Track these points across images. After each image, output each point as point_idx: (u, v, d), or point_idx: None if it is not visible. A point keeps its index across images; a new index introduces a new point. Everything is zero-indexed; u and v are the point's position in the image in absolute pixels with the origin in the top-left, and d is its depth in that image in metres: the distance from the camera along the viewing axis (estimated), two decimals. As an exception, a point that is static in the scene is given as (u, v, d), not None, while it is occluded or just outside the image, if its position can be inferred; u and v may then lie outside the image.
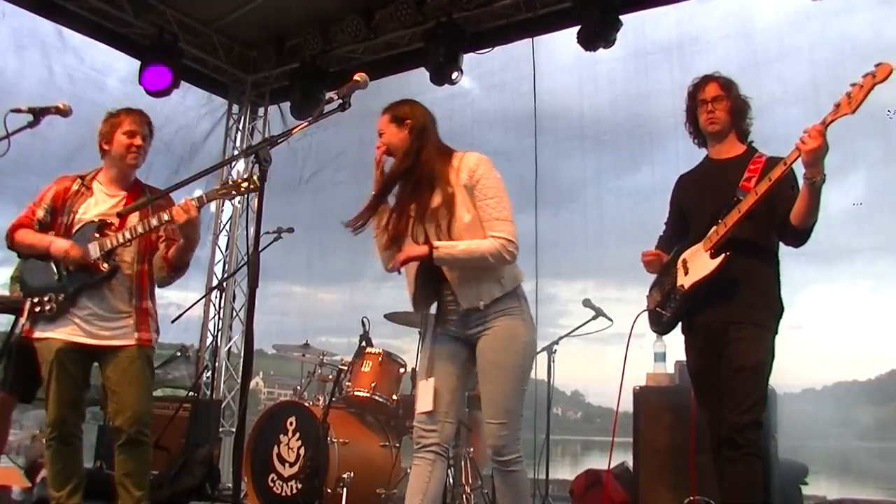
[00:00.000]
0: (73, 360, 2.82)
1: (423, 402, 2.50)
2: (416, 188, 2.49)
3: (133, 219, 2.88)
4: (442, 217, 2.41)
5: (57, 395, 2.81)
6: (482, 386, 2.47)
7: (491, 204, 2.43)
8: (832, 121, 2.36)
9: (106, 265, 2.83)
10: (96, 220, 2.89)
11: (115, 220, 2.88)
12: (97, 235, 2.86)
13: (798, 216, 2.52)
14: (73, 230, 2.89)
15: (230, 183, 2.64)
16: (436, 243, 2.40)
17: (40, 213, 2.96)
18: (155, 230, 2.84)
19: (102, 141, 3.00)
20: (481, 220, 2.42)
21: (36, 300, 2.85)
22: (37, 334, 2.86)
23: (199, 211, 2.74)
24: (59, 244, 2.84)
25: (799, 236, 2.60)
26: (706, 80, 2.84)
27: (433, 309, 2.64)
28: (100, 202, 2.95)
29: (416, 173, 2.50)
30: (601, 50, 5.19)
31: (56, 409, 2.81)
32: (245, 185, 2.59)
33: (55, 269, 2.87)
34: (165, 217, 2.74)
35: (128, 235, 2.82)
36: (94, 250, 2.83)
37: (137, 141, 2.95)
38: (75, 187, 2.98)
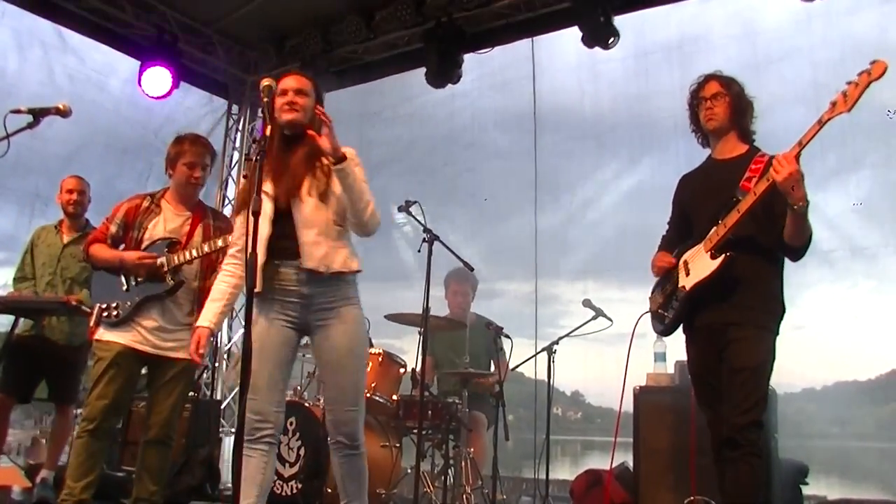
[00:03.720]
0: (128, 364, 3.03)
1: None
2: None
3: (197, 238, 3.15)
4: None
5: (104, 394, 2.99)
6: (332, 375, 2.56)
7: (364, 187, 2.61)
8: (828, 119, 2.37)
9: (172, 279, 3.07)
10: (166, 237, 3.13)
11: (183, 239, 3.15)
12: (166, 251, 3.10)
13: (789, 236, 2.54)
14: (144, 245, 3.13)
15: None
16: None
17: (113, 229, 3.19)
18: (219, 251, 3.05)
19: (168, 165, 3.23)
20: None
21: (104, 306, 3.08)
22: (99, 335, 3.08)
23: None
24: (132, 254, 3.09)
25: (794, 252, 2.61)
26: (707, 78, 2.85)
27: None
28: (168, 220, 3.19)
29: None
30: (602, 50, 5.18)
31: (100, 405, 2.98)
32: None
33: (124, 281, 3.10)
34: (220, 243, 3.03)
35: (194, 253, 3.08)
36: (162, 265, 3.08)
37: (196, 173, 3.18)
38: (145, 204, 3.22)
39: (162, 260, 3.08)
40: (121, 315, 3.05)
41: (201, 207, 3.30)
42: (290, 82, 2.58)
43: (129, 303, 3.06)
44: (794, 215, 2.46)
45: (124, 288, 3.09)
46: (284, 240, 2.50)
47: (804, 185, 2.42)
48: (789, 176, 2.37)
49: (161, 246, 3.12)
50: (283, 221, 2.51)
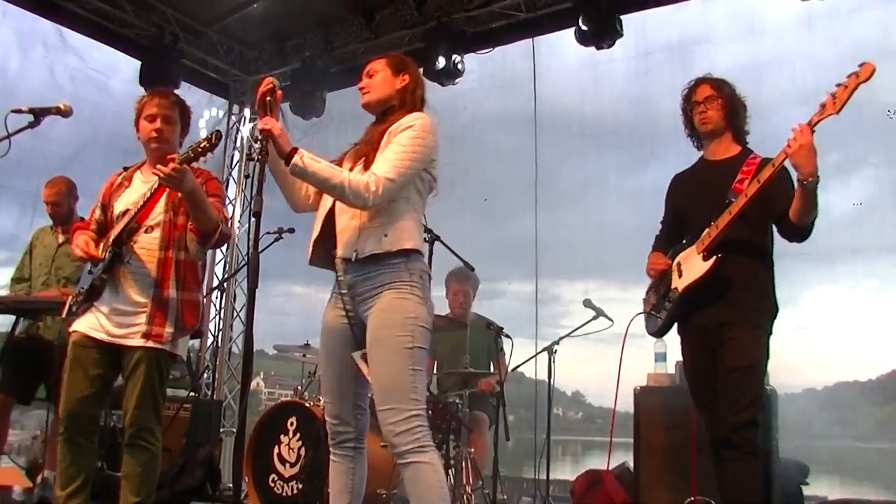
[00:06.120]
0: (88, 355, 2.69)
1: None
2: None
3: (160, 206, 2.76)
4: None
5: (68, 390, 2.69)
6: (371, 369, 2.24)
7: (391, 148, 2.26)
8: (818, 121, 2.40)
9: (109, 252, 2.69)
10: (124, 209, 2.77)
11: (143, 209, 2.72)
12: None
13: (796, 214, 2.54)
14: (114, 224, 2.79)
15: (193, 145, 2.57)
16: (303, 151, 2.18)
17: (97, 213, 2.90)
18: (145, 207, 2.69)
19: (136, 128, 2.87)
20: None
21: (75, 293, 2.83)
22: (71, 328, 2.78)
23: (176, 169, 2.49)
24: (77, 236, 2.81)
25: (799, 233, 2.61)
26: (699, 82, 2.87)
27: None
28: (134, 191, 2.82)
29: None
30: (602, 50, 5.18)
31: (65, 404, 2.69)
32: (204, 144, 2.54)
33: (89, 264, 2.80)
34: (154, 187, 2.65)
35: (126, 220, 2.69)
36: (110, 240, 2.73)
37: (157, 125, 2.78)
38: (118, 181, 2.90)
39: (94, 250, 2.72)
40: (76, 303, 2.77)
41: None
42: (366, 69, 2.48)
43: (84, 287, 2.76)
44: (803, 191, 2.45)
45: (88, 270, 2.79)
46: (334, 226, 2.34)
47: (815, 160, 2.40)
48: (800, 148, 2.37)
49: (117, 221, 2.77)
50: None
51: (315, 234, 2.37)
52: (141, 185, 2.82)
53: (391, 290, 2.23)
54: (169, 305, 2.71)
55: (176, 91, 5.93)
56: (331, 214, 2.35)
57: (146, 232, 2.73)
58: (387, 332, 2.20)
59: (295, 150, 2.17)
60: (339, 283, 2.32)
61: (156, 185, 2.64)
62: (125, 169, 2.95)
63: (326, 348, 2.38)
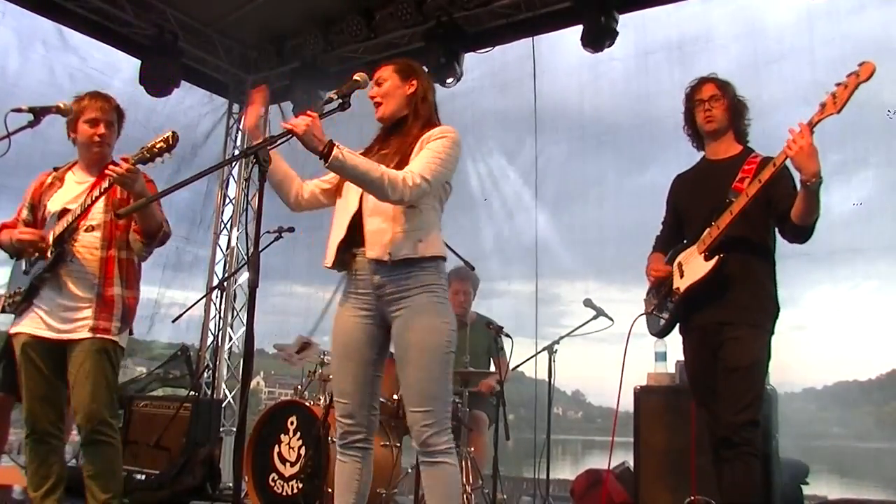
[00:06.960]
0: (39, 355, 2.72)
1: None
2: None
3: (99, 206, 2.77)
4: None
5: (27, 392, 2.73)
6: (403, 370, 2.29)
7: (425, 153, 2.30)
8: (818, 121, 2.39)
9: (52, 251, 2.70)
10: (59, 208, 2.79)
11: (74, 206, 2.74)
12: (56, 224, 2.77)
13: (798, 215, 2.54)
14: (46, 223, 2.81)
15: (148, 146, 2.56)
16: (341, 145, 2.15)
17: (24, 213, 2.91)
18: (90, 208, 2.71)
19: (69, 128, 2.88)
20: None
21: (10, 293, 2.81)
22: (12, 330, 2.79)
23: (129, 170, 2.55)
24: (7, 234, 2.81)
25: (801, 233, 2.61)
26: (703, 81, 2.86)
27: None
28: (68, 190, 2.85)
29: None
30: (603, 49, 5.18)
31: (27, 406, 2.73)
32: (160, 144, 2.53)
33: (24, 264, 2.80)
34: (103, 186, 2.65)
35: (70, 219, 2.69)
36: (50, 239, 2.74)
37: (100, 130, 2.83)
38: (49, 180, 2.93)
39: (43, 233, 2.74)
40: (15, 302, 2.76)
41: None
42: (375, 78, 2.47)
43: (21, 287, 2.74)
44: (805, 192, 2.44)
45: (23, 270, 2.77)
46: (360, 227, 2.33)
47: (818, 161, 2.39)
48: (801, 150, 2.37)
49: (53, 219, 2.77)
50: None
51: (340, 236, 2.35)
52: (75, 185, 2.86)
53: (427, 294, 2.27)
54: (114, 302, 2.76)
55: (176, 90, 6.06)
56: (356, 217, 2.34)
57: (86, 231, 2.76)
58: (429, 336, 2.26)
59: (332, 144, 2.14)
60: (359, 283, 2.35)
61: (105, 185, 2.65)
62: (55, 169, 2.98)
63: (343, 349, 2.39)
